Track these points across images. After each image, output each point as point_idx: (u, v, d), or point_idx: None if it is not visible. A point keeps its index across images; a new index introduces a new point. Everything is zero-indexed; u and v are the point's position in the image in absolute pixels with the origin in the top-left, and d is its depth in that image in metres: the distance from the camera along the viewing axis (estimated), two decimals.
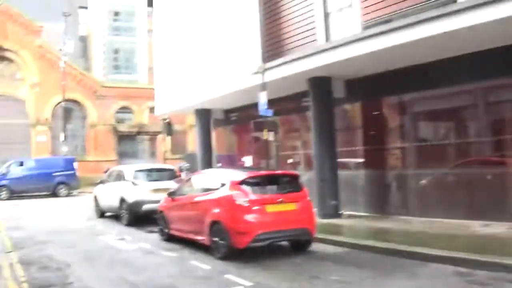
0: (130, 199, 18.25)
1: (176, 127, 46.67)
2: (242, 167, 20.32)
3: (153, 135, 48.55)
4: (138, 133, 47.64)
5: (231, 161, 26.51)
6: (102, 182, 21.62)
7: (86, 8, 62.03)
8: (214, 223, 11.83)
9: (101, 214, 21.37)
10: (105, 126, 45.32)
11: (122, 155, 46.55)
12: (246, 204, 11.25)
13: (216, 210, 11.85)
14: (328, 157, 17.19)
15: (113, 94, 46.10)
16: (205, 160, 26.25)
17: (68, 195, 34.10)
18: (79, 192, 35.55)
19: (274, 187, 12.01)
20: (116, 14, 60.66)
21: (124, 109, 47.49)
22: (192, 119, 45.80)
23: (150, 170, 20.05)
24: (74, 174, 34.99)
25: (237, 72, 20.09)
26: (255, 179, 11.94)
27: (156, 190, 17.82)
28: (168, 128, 29.97)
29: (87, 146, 45.29)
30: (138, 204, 18.02)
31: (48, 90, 42.39)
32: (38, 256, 12.95)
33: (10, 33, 42.21)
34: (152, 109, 45.96)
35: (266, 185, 11.98)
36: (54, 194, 33.80)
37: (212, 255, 11.81)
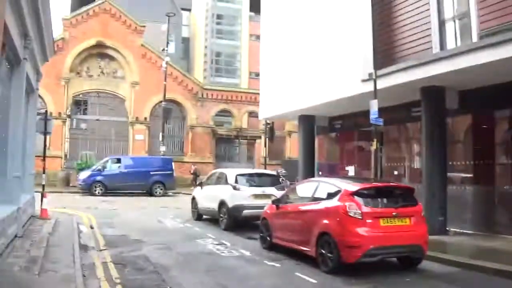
0: (231, 203, 17.59)
1: (275, 132, 46.30)
2: (353, 178, 19.35)
3: (251, 140, 47.67)
4: (237, 137, 46.86)
5: (333, 170, 25.29)
6: (201, 184, 21.10)
7: (189, 10, 62.14)
8: (322, 235, 11.21)
9: (198, 216, 20.71)
10: (203, 128, 44.56)
11: (219, 158, 46.02)
12: (359, 217, 10.60)
13: (325, 221, 11.22)
14: (438, 171, 16.42)
15: (214, 96, 45.44)
16: (307, 167, 25.27)
17: (163, 194, 33.73)
18: (175, 193, 35.05)
19: (388, 199, 11.36)
20: (219, 17, 60.31)
21: (224, 112, 46.67)
22: (291, 126, 45.25)
23: (252, 175, 19.21)
24: (171, 174, 34.60)
25: (344, 79, 19.23)
26: (369, 190, 11.43)
27: (257, 196, 17.48)
28: (271, 133, 28.76)
29: (184, 147, 44.47)
30: (238, 209, 17.42)
31: (148, 89, 42.12)
32: (133, 256, 12.30)
33: (112, 32, 42.25)
34: (251, 114, 45.71)
35: (379, 197, 11.37)
36: (149, 193, 33.54)
37: (318, 267, 11.13)
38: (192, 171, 39.02)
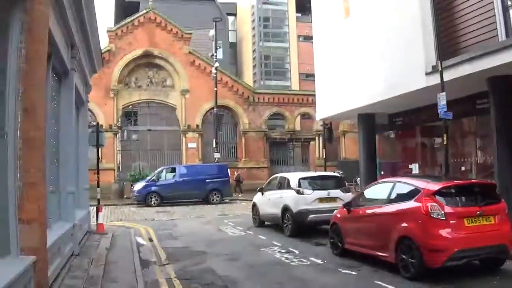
0: (295, 208, 16.78)
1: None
2: (430, 176, 18.14)
3: (305, 142, 46.67)
4: (290, 139, 45.67)
5: (395, 169, 24.18)
6: (261, 190, 20.17)
7: (234, 15, 61.57)
8: (401, 239, 10.46)
9: (260, 223, 20.02)
10: (256, 133, 43.69)
11: (273, 162, 45.10)
12: (442, 218, 9.90)
13: (405, 224, 10.46)
14: (511, 165, 15.50)
15: (266, 100, 44.50)
16: (368, 168, 24.34)
17: (220, 202, 32.96)
18: (231, 200, 34.29)
19: (471, 198, 10.53)
20: (266, 20, 59.50)
21: (276, 116, 45.66)
22: (345, 126, 44.27)
23: (315, 178, 18.29)
24: (227, 181, 33.87)
25: (406, 73, 18.35)
26: (450, 188, 10.57)
27: (322, 200, 16.83)
28: (329, 133, 27.78)
29: (238, 153, 43.76)
30: (303, 214, 16.62)
31: (198, 96, 41.54)
32: (198, 270, 11.59)
33: (159, 41, 41.77)
34: (303, 116, 44.70)
35: (462, 195, 10.61)
36: (206, 201, 32.86)
37: (398, 274, 10.37)
38: (235, 177, 38.05)
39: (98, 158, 19.49)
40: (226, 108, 42.44)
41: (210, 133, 40.72)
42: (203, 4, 55.88)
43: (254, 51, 59.02)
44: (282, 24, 60.48)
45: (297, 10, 59.02)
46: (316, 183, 17.57)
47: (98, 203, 19.05)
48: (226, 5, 57.28)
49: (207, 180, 33.02)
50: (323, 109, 26.09)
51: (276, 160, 45.67)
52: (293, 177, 17.98)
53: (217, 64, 38.62)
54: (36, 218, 6.92)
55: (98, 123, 19.21)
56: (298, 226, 16.68)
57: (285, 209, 17.20)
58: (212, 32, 39.50)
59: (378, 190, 12.40)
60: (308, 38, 57.95)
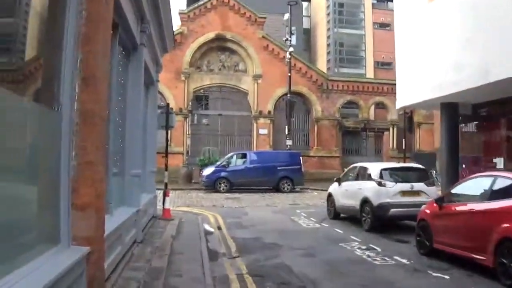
0: (376, 201, 15.59)
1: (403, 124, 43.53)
2: None
3: (379, 132, 44.92)
4: (364, 129, 44.00)
5: (476, 163, 22.34)
6: (338, 180, 19.01)
7: (309, 0, 60.19)
8: (502, 241, 9.05)
9: (335, 215, 18.80)
10: (329, 121, 42.33)
11: (345, 152, 43.69)
12: None
13: (507, 225, 9.06)
14: None
15: (340, 88, 42.97)
16: (451, 161, 22.34)
17: (291, 190, 31.79)
18: (301, 188, 33.15)
19: None
20: (341, 5, 57.82)
21: (349, 104, 44.16)
22: (420, 117, 42.49)
23: (398, 170, 17.06)
24: (299, 170, 32.64)
25: (498, 59, 16.10)
26: None
27: (405, 193, 15.60)
28: (410, 123, 26.23)
29: (310, 141, 42.55)
30: (384, 207, 15.40)
31: (271, 82, 40.59)
32: (272, 265, 10.54)
33: (232, 24, 41.00)
34: (378, 105, 43.14)
35: None
36: (276, 189, 31.75)
37: (497, 280, 9.05)
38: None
39: (167, 141, 18.66)
40: (298, 95, 41.18)
41: (282, 119, 39.74)
42: None
43: (328, 37, 57.55)
44: (357, 11, 58.76)
45: None
46: (399, 175, 16.30)
47: (166, 187, 18.29)
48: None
49: (278, 168, 31.97)
50: (404, 97, 24.44)
51: (348, 149, 44.24)
52: (374, 167, 16.80)
53: (291, 49, 37.48)
54: (93, 203, 5.91)
55: (168, 104, 18.37)
56: (378, 220, 15.50)
57: (365, 201, 16.04)
58: (286, 16, 38.42)
59: (475, 185, 11.04)
60: (384, 26, 56.55)
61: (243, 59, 41.54)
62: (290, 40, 37.92)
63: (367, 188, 16.12)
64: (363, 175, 17.15)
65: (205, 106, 42.98)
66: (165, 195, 17.56)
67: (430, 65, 21.23)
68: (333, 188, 19.24)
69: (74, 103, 5.76)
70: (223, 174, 31.39)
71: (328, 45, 57.22)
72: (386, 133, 44.40)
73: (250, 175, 31.37)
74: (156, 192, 17.69)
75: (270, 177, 31.74)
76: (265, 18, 41.48)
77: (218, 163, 32.71)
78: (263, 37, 41.46)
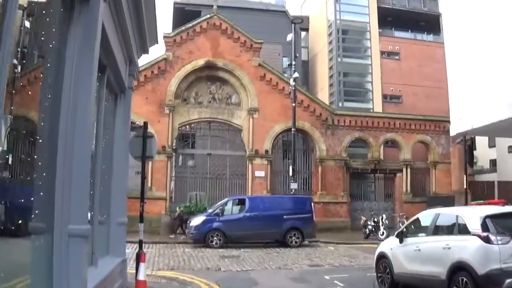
0: (481, 268, 9.82)
1: (418, 164, 38.41)
2: None
3: (390, 174, 39.05)
4: (374, 170, 38.29)
5: None
6: (400, 234, 13.14)
7: (306, 30, 55.33)
8: None
9: (392, 285, 12.93)
10: (335, 162, 36.69)
11: (352, 197, 37.90)
12: None
13: None
14: None
15: (347, 123, 37.54)
16: None
17: (300, 244, 26.00)
18: (311, 241, 27.24)
19: None
20: (344, 32, 52.77)
21: (355, 142, 38.61)
22: (436, 156, 37.74)
23: (508, 216, 10.86)
24: (311, 218, 26.77)
25: None
26: None
27: None
28: (470, 154, 20.86)
29: (313, 185, 36.79)
30: (496, 278, 9.58)
31: (268, 117, 35.32)
32: None
33: (224, 50, 35.81)
34: (387, 143, 37.91)
35: None
36: (282, 243, 26.03)
37: None
38: (176, 215, 30.81)
39: (143, 180, 12.57)
40: (300, 132, 35.59)
41: (280, 160, 35.12)
42: (272, 16, 50.12)
43: (330, 68, 52.30)
44: (362, 38, 53.76)
45: (380, 26, 52.54)
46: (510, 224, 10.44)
47: (140, 247, 12.35)
48: (297, 19, 51.16)
49: (284, 217, 26.16)
50: (463, 121, 19.01)
51: (354, 194, 38.52)
52: (471, 214, 11.01)
53: (296, 75, 32.14)
54: None
55: (146, 124, 12.34)
56: None
57: (458, 268, 10.30)
58: (290, 37, 33.09)
59: None
60: (392, 54, 51.60)
61: (236, 90, 36.13)
62: (295, 65, 32.58)
63: (463, 247, 10.40)
64: (449, 226, 11.52)
65: (192, 144, 37.73)
66: (139, 259, 11.56)
67: (505, 77, 15.87)
68: (389, 246, 13.61)
69: None
70: (216, 225, 25.53)
71: (331, 76, 52.11)
72: (398, 174, 38.67)
73: (250, 226, 25.55)
74: (126, 254, 11.75)
75: (275, 228, 25.92)
76: (261, 43, 36.20)
77: (210, 211, 26.89)
78: (259, 65, 36.11)
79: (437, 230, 11.87)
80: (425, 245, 11.74)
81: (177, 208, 30.51)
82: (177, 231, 29.63)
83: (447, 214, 11.99)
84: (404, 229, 13.34)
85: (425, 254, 11.61)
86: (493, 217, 10.31)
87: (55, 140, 6.05)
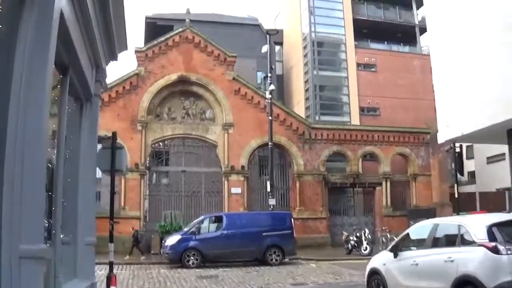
0: (491, 280, 8.78)
1: (397, 176, 37.84)
2: None
3: (370, 187, 38.25)
4: (353, 184, 37.45)
5: None
6: (394, 248, 12.17)
7: (280, 44, 54.67)
8: None
9: None
10: (313, 176, 35.78)
11: (331, 212, 36.87)
12: None
13: None
14: None
15: (324, 137, 36.72)
16: None
17: (281, 262, 25.02)
18: (291, 259, 26.45)
19: None
20: (320, 45, 52.02)
21: (333, 156, 37.76)
22: (416, 168, 37.78)
23: None
24: (291, 235, 25.90)
25: None
26: None
27: None
28: (460, 161, 20.29)
29: (291, 201, 35.87)
30: None
31: (244, 132, 34.46)
32: None
33: (197, 64, 34.88)
34: (365, 156, 37.27)
35: None
36: (261, 261, 25.05)
37: None
38: (132, 235, 28.33)
39: (112, 196, 11.54)
40: (277, 146, 34.51)
41: (256, 176, 34.33)
42: (245, 29, 49.26)
43: (306, 81, 51.46)
44: (337, 51, 53.03)
45: (356, 38, 51.97)
46: None
47: (111, 269, 11.29)
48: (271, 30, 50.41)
49: (264, 233, 25.22)
50: (451, 128, 18.35)
51: (333, 209, 37.45)
52: (475, 223, 10.06)
53: (272, 87, 31.25)
54: None
55: (114, 133, 11.31)
56: None
57: (464, 282, 9.32)
58: (265, 48, 32.28)
59: None
60: (369, 67, 51.01)
61: (210, 105, 35.18)
62: (271, 77, 31.67)
63: (468, 259, 9.44)
64: (451, 237, 10.54)
65: (166, 161, 36.49)
66: (109, 282, 10.50)
67: (486, 84, 15.31)
68: (381, 261, 12.61)
69: None
70: (192, 243, 24.46)
71: (307, 90, 51.27)
72: (378, 188, 37.89)
73: (228, 244, 24.55)
74: (95, 277, 10.68)
75: (254, 245, 24.92)
76: (235, 56, 35.35)
77: (186, 229, 25.81)
78: (234, 79, 35.25)
79: (436, 242, 10.95)
80: (424, 259, 10.79)
81: (130, 228, 28.79)
82: (130, 253, 27.42)
83: (447, 224, 11.10)
84: (399, 242, 12.41)
85: (423, 269, 10.68)
86: (499, 225, 9.42)
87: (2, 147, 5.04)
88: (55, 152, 7.44)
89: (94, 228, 10.29)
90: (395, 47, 54.89)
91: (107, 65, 11.89)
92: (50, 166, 6.64)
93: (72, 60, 8.04)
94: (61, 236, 7.92)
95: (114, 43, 11.26)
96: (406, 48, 55.00)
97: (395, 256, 11.81)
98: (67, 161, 8.63)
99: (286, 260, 25.79)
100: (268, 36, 31.88)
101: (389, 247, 12.73)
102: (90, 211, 10.22)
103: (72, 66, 8.22)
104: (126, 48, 12.61)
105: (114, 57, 12.13)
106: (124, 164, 11.48)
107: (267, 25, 52.35)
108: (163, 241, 26.48)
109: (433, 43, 21.86)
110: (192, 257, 24.09)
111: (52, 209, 7.01)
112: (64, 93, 8.06)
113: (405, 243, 12.22)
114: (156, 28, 45.74)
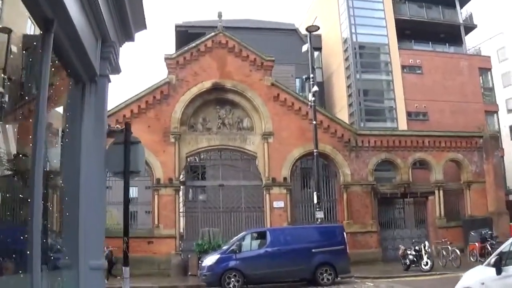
0: None
1: (450, 184, 35.00)
2: None
3: (421, 197, 35.51)
4: (404, 194, 34.64)
5: None
6: (497, 263, 9.45)
7: (319, 49, 52.34)
8: None
9: None
10: (362, 187, 33.20)
11: (381, 225, 34.29)
12: None
13: None
14: None
15: (372, 144, 34.21)
16: None
17: (334, 282, 22.54)
18: (343, 278, 23.84)
19: None
20: (362, 47, 49.64)
21: (381, 165, 35.18)
22: (469, 175, 35.15)
23: None
24: (344, 251, 23.28)
25: None
26: None
27: None
28: None
29: (338, 213, 33.24)
30: None
31: (285, 141, 32.25)
32: None
33: (232, 70, 32.86)
34: (414, 164, 34.67)
35: None
36: (311, 280, 22.66)
37: None
38: (107, 254, 23.47)
39: (127, 203, 9.05)
40: (321, 155, 31.70)
41: (299, 188, 32.46)
42: (282, 35, 47.13)
43: (349, 86, 48.94)
44: (380, 53, 50.55)
45: (399, 40, 49.41)
46: None
47: None
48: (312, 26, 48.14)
49: (313, 250, 22.69)
50: None
51: (382, 222, 34.76)
52: None
53: (315, 88, 28.66)
54: None
55: (127, 124, 8.80)
56: None
57: None
58: (305, 47, 29.73)
59: None
60: (414, 69, 48.26)
61: (248, 113, 33.04)
62: (313, 77, 29.15)
63: None
64: None
65: (202, 175, 34.21)
66: None
67: None
68: (478, 278, 10.16)
69: None
70: (232, 263, 22.22)
71: (350, 95, 48.74)
72: (431, 198, 35.08)
73: (272, 264, 22.20)
74: None
75: (303, 264, 22.42)
76: (273, 60, 33.22)
77: (224, 248, 23.62)
78: (272, 84, 33.04)
79: None
80: None
81: (105, 248, 24.40)
82: (107, 277, 22.38)
83: None
84: (502, 255, 9.67)
85: None
86: None
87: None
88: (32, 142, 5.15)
89: (101, 248, 7.93)
90: (439, 48, 52.27)
91: (121, 45, 9.54)
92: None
93: (59, 13, 5.58)
94: (59, 259, 6.92)
95: (127, 17, 8.89)
96: (451, 49, 52.32)
97: (499, 272, 9.08)
98: (64, 161, 7.14)
99: (339, 279, 23.38)
100: (308, 33, 29.29)
101: (489, 260, 10.01)
102: (98, 226, 7.85)
103: (60, 23, 5.75)
104: (144, 27, 10.24)
105: (129, 36, 9.76)
106: (142, 164, 8.98)
107: (303, 31, 50.27)
108: (200, 261, 24.27)
109: None
110: (232, 279, 21.80)
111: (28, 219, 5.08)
112: (46, 53, 5.57)
113: (511, 255, 9.46)
114: (188, 36, 43.81)
